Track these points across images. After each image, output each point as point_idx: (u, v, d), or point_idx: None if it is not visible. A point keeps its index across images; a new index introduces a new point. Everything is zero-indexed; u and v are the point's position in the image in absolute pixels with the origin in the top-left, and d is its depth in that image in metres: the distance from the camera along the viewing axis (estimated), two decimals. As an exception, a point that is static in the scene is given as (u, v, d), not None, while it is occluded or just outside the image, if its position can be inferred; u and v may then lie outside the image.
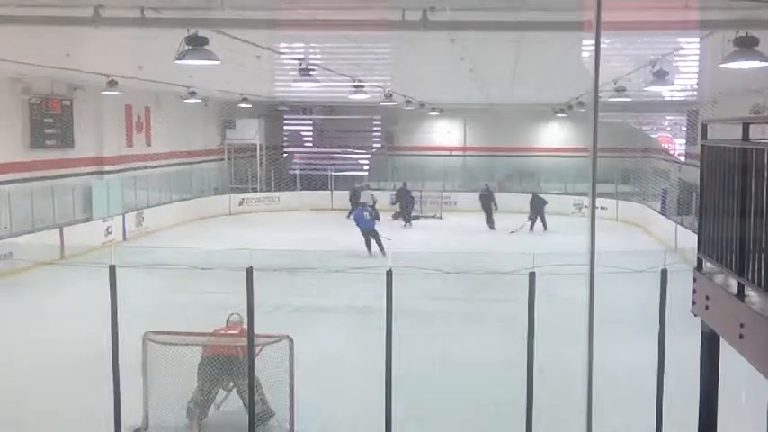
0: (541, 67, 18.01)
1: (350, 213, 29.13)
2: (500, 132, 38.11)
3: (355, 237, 25.08)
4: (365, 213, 22.50)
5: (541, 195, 29.19)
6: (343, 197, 33.48)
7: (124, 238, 25.20)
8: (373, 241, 21.93)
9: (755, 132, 5.26)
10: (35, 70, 19.35)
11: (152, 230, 26.98)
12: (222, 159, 36.05)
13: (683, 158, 32.61)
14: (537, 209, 28.41)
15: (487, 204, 29.95)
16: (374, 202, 26.80)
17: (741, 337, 4.77)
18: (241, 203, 33.64)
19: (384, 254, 20.71)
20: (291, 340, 9.43)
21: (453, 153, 39.45)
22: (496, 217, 29.62)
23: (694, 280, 5.81)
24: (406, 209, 30.52)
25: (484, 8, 9.56)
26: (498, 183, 36.36)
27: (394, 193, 32.88)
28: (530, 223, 28.18)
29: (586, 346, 3.90)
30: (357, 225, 22.62)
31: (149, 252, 21.60)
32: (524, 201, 31.41)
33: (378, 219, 22.99)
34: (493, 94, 27.70)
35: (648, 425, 8.85)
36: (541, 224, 28.23)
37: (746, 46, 10.30)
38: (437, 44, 12.82)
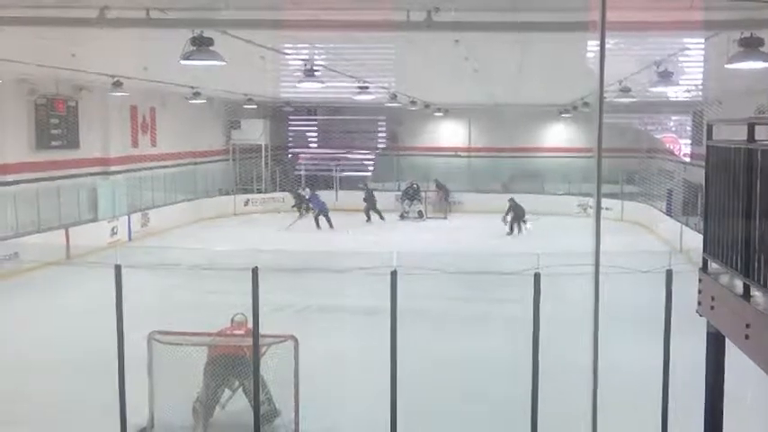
0: (546, 68, 17.99)
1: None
2: (505, 133, 38.06)
3: (361, 238, 25.16)
4: (320, 200, 30.26)
5: (520, 203, 28.65)
6: (349, 197, 33.59)
7: (129, 239, 25.25)
8: (323, 219, 29.35)
9: (761, 133, 5.25)
10: (41, 71, 19.39)
11: (157, 231, 27.00)
12: (227, 160, 36.07)
13: (688, 159, 32.57)
14: (517, 214, 28.16)
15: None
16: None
17: (747, 337, 4.76)
18: (246, 204, 33.66)
19: (318, 227, 29.02)
20: (296, 340, 9.44)
21: (458, 153, 39.43)
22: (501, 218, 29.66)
23: (699, 280, 5.80)
24: (369, 208, 31.75)
25: (488, 9, 9.55)
26: (502, 183, 36.38)
27: (400, 192, 33.20)
28: (508, 226, 27.82)
29: (591, 346, 3.91)
30: (314, 205, 29.95)
31: (155, 252, 21.66)
32: (530, 201, 31.46)
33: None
34: (498, 95, 27.69)
35: (654, 425, 8.84)
36: (517, 228, 27.97)
37: (751, 46, 10.30)
38: (442, 45, 12.82)
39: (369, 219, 31.44)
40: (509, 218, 28.01)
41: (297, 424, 9.55)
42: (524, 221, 28.09)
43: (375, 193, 32.53)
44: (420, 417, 10.07)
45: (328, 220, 29.40)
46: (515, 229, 27.86)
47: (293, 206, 31.58)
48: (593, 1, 3.71)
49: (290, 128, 40.97)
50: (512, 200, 28.65)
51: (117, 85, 21.37)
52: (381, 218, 31.39)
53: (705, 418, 5.77)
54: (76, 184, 24.36)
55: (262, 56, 15.10)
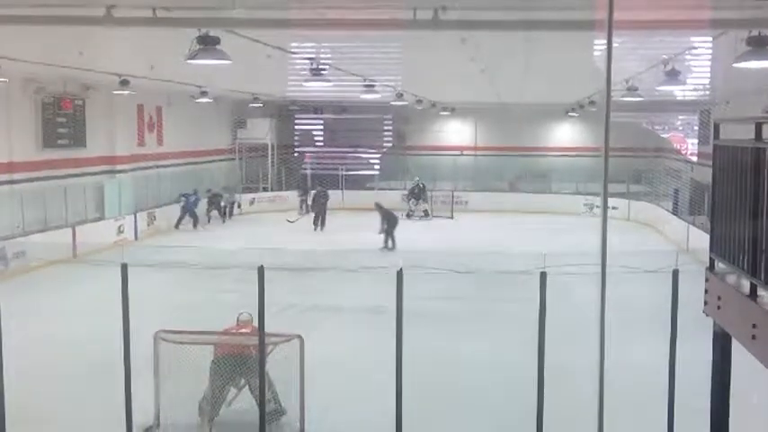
0: (553, 67, 17.96)
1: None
2: (511, 132, 38.05)
3: (367, 237, 25.09)
4: (192, 198, 28.32)
5: (391, 211, 25.04)
6: (354, 196, 33.61)
7: (136, 237, 25.29)
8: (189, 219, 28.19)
9: (768, 132, 5.22)
10: (48, 70, 19.44)
11: (163, 230, 27.06)
12: (233, 159, 36.12)
13: (695, 158, 32.51)
14: (388, 223, 24.29)
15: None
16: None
17: (753, 337, 4.74)
18: (252, 203, 33.71)
19: (195, 228, 27.91)
20: (302, 339, 9.45)
21: (464, 153, 39.41)
22: (507, 217, 29.58)
23: (706, 280, 5.78)
24: (318, 213, 28.87)
25: (495, 7, 9.54)
26: (509, 183, 36.41)
27: (405, 192, 33.09)
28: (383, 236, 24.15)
29: (598, 345, 3.89)
30: (184, 205, 28.15)
31: (161, 251, 21.65)
32: (537, 200, 31.42)
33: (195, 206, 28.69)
34: (504, 94, 27.65)
35: (660, 425, 8.82)
36: (391, 241, 24.07)
37: (759, 45, 10.27)
38: (448, 43, 12.81)
39: (321, 226, 28.56)
40: (385, 227, 24.18)
41: (302, 422, 9.57)
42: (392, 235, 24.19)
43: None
44: (426, 416, 10.08)
45: (194, 222, 28.22)
46: (389, 242, 23.96)
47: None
48: (601, 0, 3.70)
49: (296, 127, 41.02)
50: (378, 205, 24.95)
51: (124, 83, 21.41)
52: (318, 226, 28.51)
53: (711, 419, 5.75)
54: (83, 183, 24.43)
55: (268, 55, 15.10)
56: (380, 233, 24.05)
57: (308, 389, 9.55)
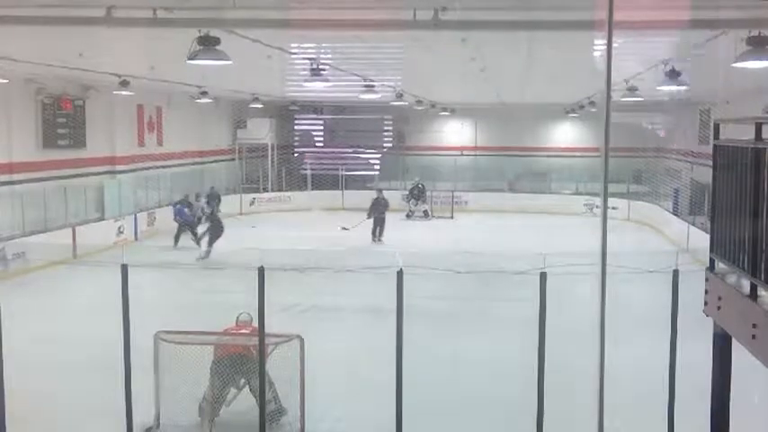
0: (553, 67, 17.96)
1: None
2: (511, 132, 38.05)
3: (366, 237, 25.11)
4: (185, 210, 24.35)
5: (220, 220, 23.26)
6: (355, 196, 33.58)
7: (136, 238, 25.29)
8: (189, 235, 23.79)
9: (768, 132, 5.22)
10: (48, 70, 19.44)
11: (163, 230, 27.02)
12: (233, 159, 36.12)
13: (695, 158, 32.47)
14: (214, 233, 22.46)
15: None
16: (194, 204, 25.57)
17: (753, 337, 4.75)
18: (252, 203, 33.69)
19: (199, 245, 22.59)
20: (302, 340, 9.46)
21: (464, 153, 39.41)
22: (507, 217, 29.56)
23: (706, 280, 5.78)
24: (377, 223, 25.93)
25: (495, 8, 9.54)
26: (509, 183, 36.42)
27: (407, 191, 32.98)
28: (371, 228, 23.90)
29: (598, 346, 3.90)
30: (176, 217, 24.27)
31: (161, 251, 21.69)
32: (537, 201, 31.36)
33: (195, 216, 24.34)
34: (504, 94, 27.65)
35: (661, 424, 8.82)
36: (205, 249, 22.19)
37: (759, 45, 10.28)
38: (448, 44, 12.81)
39: (379, 236, 25.77)
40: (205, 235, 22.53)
41: (302, 423, 9.57)
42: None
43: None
44: (425, 416, 10.08)
45: (194, 237, 23.58)
46: (206, 250, 22.09)
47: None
48: (601, 0, 3.71)
49: (296, 127, 41.02)
50: (210, 214, 23.35)
51: (124, 84, 21.41)
52: (376, 236, 25.71)
53: (711, 419, 5.75)
54: (83, 184, 24.43)
55: (268, 55, 15.11)
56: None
57: (308, 389, 9.56)
